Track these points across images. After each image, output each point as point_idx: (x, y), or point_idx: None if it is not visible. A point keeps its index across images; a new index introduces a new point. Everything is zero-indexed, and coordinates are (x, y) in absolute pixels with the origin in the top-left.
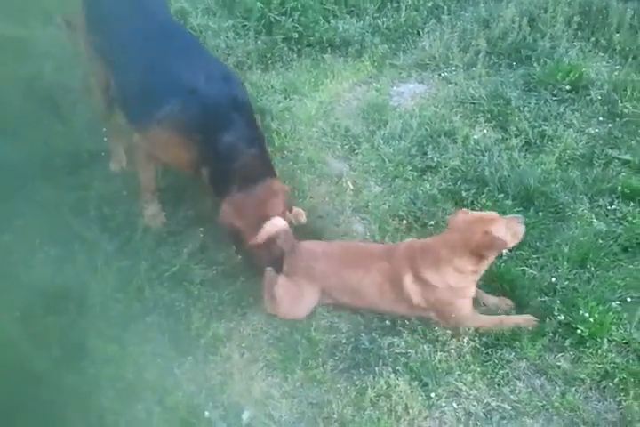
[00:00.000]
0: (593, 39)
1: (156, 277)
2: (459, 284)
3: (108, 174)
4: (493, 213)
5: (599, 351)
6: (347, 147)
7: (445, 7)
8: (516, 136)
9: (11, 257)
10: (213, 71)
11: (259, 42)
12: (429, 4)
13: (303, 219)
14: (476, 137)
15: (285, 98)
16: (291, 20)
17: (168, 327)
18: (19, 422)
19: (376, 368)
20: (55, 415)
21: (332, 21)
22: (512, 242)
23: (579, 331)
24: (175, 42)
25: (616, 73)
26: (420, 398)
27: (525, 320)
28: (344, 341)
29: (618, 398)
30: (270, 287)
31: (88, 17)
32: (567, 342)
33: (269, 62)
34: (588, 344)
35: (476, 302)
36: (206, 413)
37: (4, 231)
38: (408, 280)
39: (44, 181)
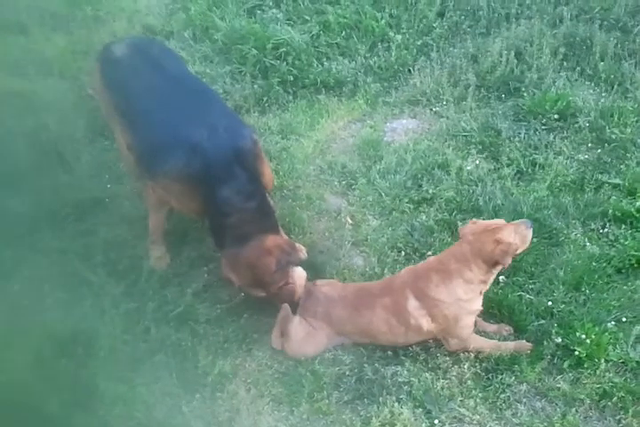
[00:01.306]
0: (578, 68)
1: (162, 317)
2: (467, 295)
3: (112, 220)
4: (500, 221)
5: (597, 372)
6: (344, 183)
7: (434, 45)
8: (508, 165)
9: (21, 303)
10: (219, 123)
11: (255, 86)
12: (419, 43)
13: (304, 255)
14: (469, 168)
15: (283, 138)
16: (285, 63)
17: (175, 366)
18: None
19: (380, 398)
20: None
21: (325, 63)
22: (521, 248)
23: (576, 352)
24: (185, 94)
25: (602, 100)
26: (423, 425)
27: (521, 346)
28: (348, 372)
29: (617, 417)
30: (284, 324)
31: (103, 76)
32: (565, 364)
33: (266, 105)
34: (586, 365)
35: (477, 332)
36: None
37: (13, 278)
38: (412, 306)
39: (50, 229)
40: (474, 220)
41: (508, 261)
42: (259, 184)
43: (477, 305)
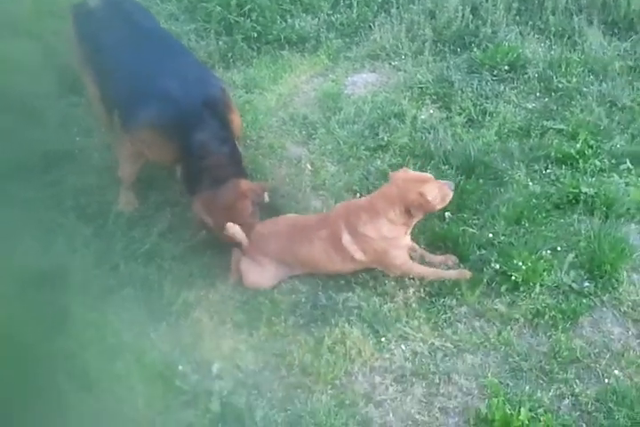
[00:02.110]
0: (531, 23)
1: (130, 255)
2: (391, 233)
3: (81, 170)
4: (429, 176)
5: (532, 295)
6: (304, 133)
7: (394, 1)
8: (460, 114)
9: None
10: (190, 74)
11: (220, 42)
12: (379, 0)
13: (265, 198)
14: (423, 117)
15: (246, 92)
16: (249, 20)
17: (143, 298)
18: (13, 383)
19: (332, 320)
20: (44, 374)
21: (288, 20)
22: (439, 205)
23: (513, 277)
24: (156, 48)
25: (551, 52)
26: (371, 342)
27: (460, 274)
28: (304, 300)
29: (548, 333)
30: (237, 264)
31: (77, 29)
32: (503, 288)
33: (231, 61)
34: (521, 289)
35: (423, 263)
36: (180, 367)
37: None
38: (346, 239)
39: (19, 180)
40: (406, 168)
41: (420, 215)
42: (229, 131)
43: (404, 241)
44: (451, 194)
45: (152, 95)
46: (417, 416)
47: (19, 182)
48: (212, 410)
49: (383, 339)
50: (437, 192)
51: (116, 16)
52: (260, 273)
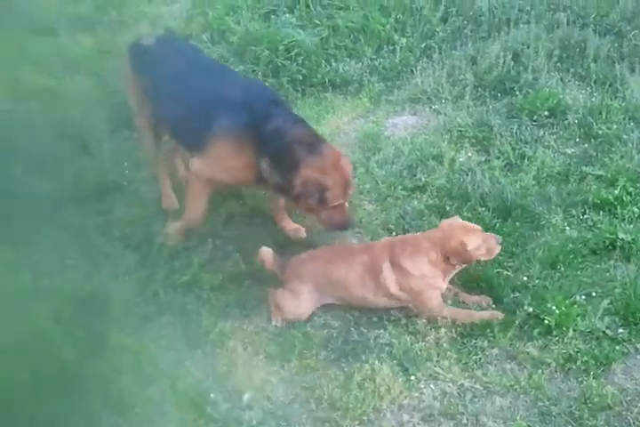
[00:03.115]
0: (572, 70)
1: (170, 284)
2: (430, 273)
3: (128, 202)
4: (477, 227)
5: (564, 339)
6: None
7: (437, 47)
8: (498, 158)
9: (43, 269)
10: (249, 84)
11: (267, 84)
12: (422, 46)
13: (303, 234)
14: (461, 159)
15: None
16: (295, 64)
17: (180, 326)
18: (49, 402)
19: (363, 356)
20: (80, 397)
21: (333, 64)
22: (484, 257)
23: (546, 321)
24: (215, 72)
25: (592, 99)
26: (400, 380)
27: (493, 315)
28: (335, 334)
29: (580, 379)
30: (275, 300)
31: (134, 63)
32: (535, 332)
33: None
34: (554, 333)
35: (459, 303)
36: (212, 395)
37: (37, 250)
38: (386, 268)
39: (72, 209)
40: (457, 216)
41: (459, 263)
42: (298, 116)
43: (441, 284)
44: (497, 248)
45: (218, 104)
46: None
47: (71, 209)
48: None
49: (413, 377)
50: (481, 243)
51: (172, 51)
52: (297, 303)
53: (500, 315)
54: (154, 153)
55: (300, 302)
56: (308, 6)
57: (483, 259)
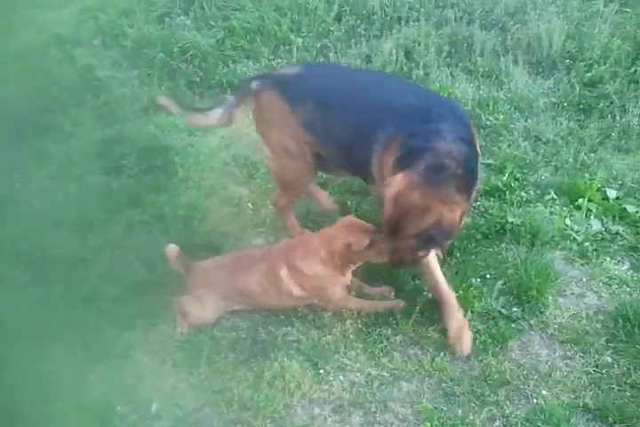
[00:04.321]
0: (461, 64)
1: (69, 299)
2: (324, 272)
3: (18, 216)
4: (369, 227)
5: None
6: (245, 173)
7: (332, 46)
8: None
9: None
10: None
11: (162, 88)
12: (318, 45)
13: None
14: None
15: (189, 135)
16: (192, 66)
17: (82, 341)
18: None
19: (271, 355)
20: None
21: (230, 65)
22: (373, 259)
23: None
24: (392, 84)
25: (480, 91)
26: (310, 374)
27: (395, 304)
28: (244, 336)
29: (480, 357)
30: (179, 308)
31: (289, 100)
32: (436, 316)
33: None
34: None
35: (364, 296)
36: (118, 408)
37: None
38: (284, 275)
39: None
40: (353, 216)
41: (345, 263)
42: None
43: (341, 279)
44: (386, 256)
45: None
46: None
47: None
48: None
49: (322, 371)
50: (367, 245)
51: (331, 72)
52: (203, 308)
53: (401, 303)
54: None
55: (205, 306)
56: (202, 8)
57: (373, 261)
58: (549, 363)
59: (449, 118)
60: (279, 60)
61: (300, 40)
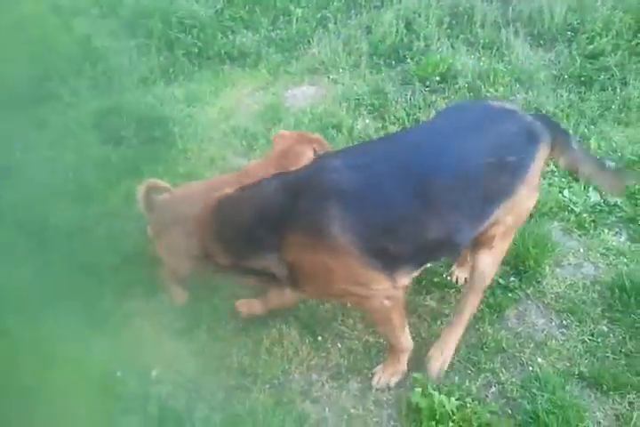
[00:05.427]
0: (461, 36)
1: (70, 267)
2: None
3: (18, 185)
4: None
5: (460, 290)
6: (245, 144)
7: (332, 17)
8: (394, 124)
9: None
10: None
11: (161, 58)
12: (318, 16)
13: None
14: (359, 127)
15: (188, 106)
16: (190, 36)
17: (82, 309)
18: None
19: (270, 322)
20: None
21: (229, 36)
22: None
23: (443, 275)
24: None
25: (480, 63)
26: (308, 341)
27: None
28: None
29: (476, 326)
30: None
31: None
32: (433, 285)
33: (172, 76)
34: (451, 285)
35: None
36: (118, 373)
37: None
38: None
39: None
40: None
41: None
42: None
43: None
44: None
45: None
46: (352, 410)
47: None
48: (151, 413)
49: (320, 338)
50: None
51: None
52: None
53: None
54: None
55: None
56: None
57: None
58: (545, 332)
59: None
60: (278, 31)
61: (299, 11)
